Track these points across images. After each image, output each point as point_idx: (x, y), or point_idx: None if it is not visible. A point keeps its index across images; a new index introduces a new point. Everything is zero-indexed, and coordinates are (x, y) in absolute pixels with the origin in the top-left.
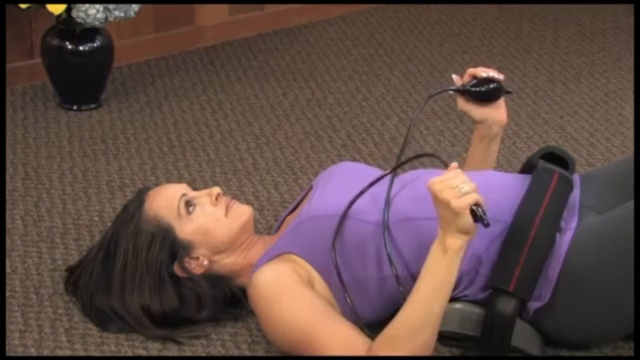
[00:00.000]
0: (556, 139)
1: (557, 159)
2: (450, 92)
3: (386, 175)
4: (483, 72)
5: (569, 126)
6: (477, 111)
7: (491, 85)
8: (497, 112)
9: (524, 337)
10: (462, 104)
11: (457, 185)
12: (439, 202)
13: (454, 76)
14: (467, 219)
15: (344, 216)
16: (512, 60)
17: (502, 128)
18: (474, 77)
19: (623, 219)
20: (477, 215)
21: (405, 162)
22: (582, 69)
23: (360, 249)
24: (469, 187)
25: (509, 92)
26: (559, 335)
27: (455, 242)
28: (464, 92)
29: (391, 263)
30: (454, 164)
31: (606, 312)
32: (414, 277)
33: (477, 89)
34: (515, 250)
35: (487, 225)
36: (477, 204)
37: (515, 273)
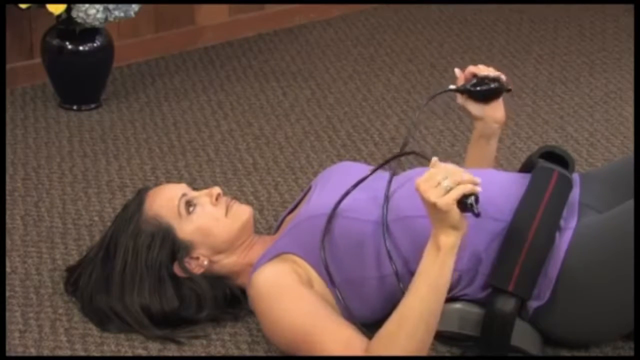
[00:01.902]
0: (556, 139)
1: (556, 158)
2: (451, 91)
3: (368, 177)
4: (483, 71)
5: (569, 126)
6: (476, 108)
7: (492, 85)
8: (496, 110)
9: (523, 337)
10: (462, 101)
11: (439, 183)
12: (426, 203)
13: (457, 70)
14: (455, 214)
15: (333, 214)
16: (512, 60)
17: (501, 126)
18: (474, 75)
19: (623, 218)
20: (467, 204)
21: (388, 161)
22: (582, 69)
23: (358, 248)
24: (451, 182)
25: (508, 90)
26: (558, 335)
27: (448, 240)
28: (464, 91)
29: (390, 258)
30: (434, 159)
31: (606, 311)
32: (413, 275)
33: (478, 88)
34: (514, 249)
35: (477, 215)
36: (465, 195)
37: (514, 272)
